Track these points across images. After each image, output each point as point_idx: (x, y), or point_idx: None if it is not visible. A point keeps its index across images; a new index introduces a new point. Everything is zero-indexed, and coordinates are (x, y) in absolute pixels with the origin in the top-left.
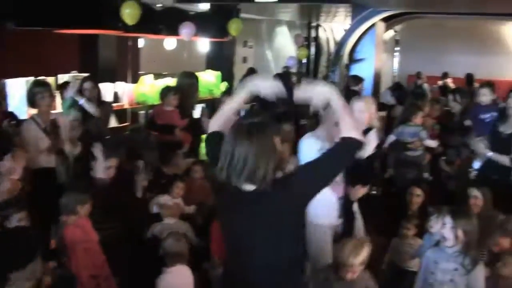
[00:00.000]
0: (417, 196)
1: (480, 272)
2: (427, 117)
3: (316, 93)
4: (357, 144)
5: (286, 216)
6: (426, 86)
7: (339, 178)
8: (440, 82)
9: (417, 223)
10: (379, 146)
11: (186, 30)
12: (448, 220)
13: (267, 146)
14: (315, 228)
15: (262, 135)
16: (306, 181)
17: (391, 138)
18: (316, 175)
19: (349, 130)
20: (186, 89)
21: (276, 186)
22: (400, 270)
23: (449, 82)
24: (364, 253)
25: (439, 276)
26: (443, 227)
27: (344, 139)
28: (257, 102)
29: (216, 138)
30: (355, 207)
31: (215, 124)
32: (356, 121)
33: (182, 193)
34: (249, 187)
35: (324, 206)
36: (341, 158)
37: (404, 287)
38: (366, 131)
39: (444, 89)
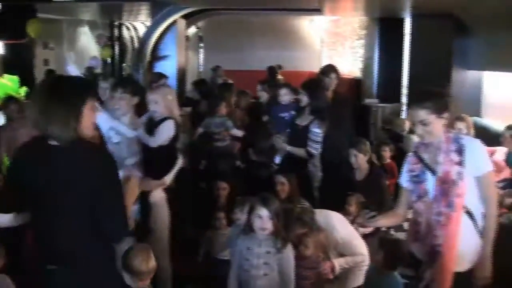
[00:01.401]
0: (223, 189)
1: (290, 251)
2: (237, 108)
3: None
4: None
5: (79, 183)
6: (221, 80)
7: (130, 163)
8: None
9: (228, 213)
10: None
11: None
12: (264, 212)
13: (77, 105)
14: None
15: (75, 94)
16: (91, 186)
17: (199, 130)
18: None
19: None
20: None
21: (77, 150)
22: (216, 260)
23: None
24: (153, 259)
25: (253, 261)
26: (260, 219)
27: (119, 227)
28: None
29: None
30: (155, 197)
31: None
32: None
33: None
34: (54, 142)
35: None
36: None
37: (221, 277)
38: (161, 121)
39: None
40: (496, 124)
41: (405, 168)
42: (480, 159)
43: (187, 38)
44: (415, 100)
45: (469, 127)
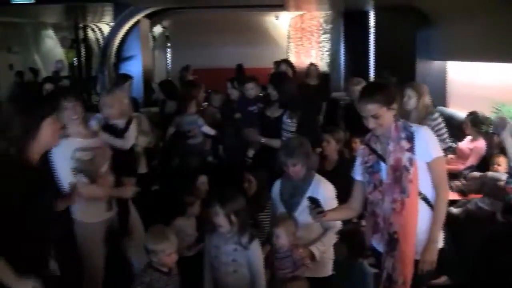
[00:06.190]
0: (202, 183)
1: (257, 246)
2: (209, 106)
3: None
4: None
5: None
6: (191, 78)
7: (104, 170)
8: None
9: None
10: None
11: None
12: (218, 210)
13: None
14: (85, 227)
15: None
16: None
17: (171, 130)
18: None
19: None
20: None
21: None
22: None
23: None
24: (173, 239)
25: (222, 258)
26: (216, 217)
27: None
28: None
29: None
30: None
31: None
32: None
33: None
34: None
35: (91, 204)
36: None
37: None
38: (127, 123)
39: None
40: (461, 113)
41: (358, 161)
42: (430, 146)
43: (154, 38)
44: (364, 94)
45: (420, 94)
